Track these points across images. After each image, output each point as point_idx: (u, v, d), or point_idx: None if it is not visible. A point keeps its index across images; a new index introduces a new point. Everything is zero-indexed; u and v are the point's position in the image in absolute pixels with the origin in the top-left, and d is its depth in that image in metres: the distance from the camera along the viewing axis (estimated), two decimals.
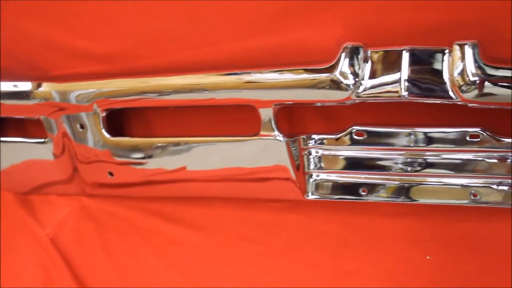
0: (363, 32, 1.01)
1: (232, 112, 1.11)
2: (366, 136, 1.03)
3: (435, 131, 1.01)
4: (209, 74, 1.06)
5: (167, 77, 1.09)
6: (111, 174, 1.21)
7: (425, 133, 1.01)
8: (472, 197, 1.01)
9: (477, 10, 0.96)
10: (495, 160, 0.99)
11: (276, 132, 1.05)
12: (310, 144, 1.05)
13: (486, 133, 0.98)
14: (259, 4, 1.05)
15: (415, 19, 0.98)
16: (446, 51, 0.92)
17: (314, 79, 0.98)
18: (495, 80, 0.91)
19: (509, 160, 0.99)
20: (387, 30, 1.00)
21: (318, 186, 1.07)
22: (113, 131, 1.18)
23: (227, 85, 1.04)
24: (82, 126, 1.18)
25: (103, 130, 1.17)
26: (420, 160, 1.02)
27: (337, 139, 1.04)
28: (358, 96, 0.97)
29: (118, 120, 1.20)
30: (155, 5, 1.10)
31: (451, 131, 1.00)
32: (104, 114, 1.16)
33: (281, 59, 1.04)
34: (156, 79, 1.10)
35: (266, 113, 1.04)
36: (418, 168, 1.03)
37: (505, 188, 1.00)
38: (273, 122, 1.04)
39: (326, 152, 1.05)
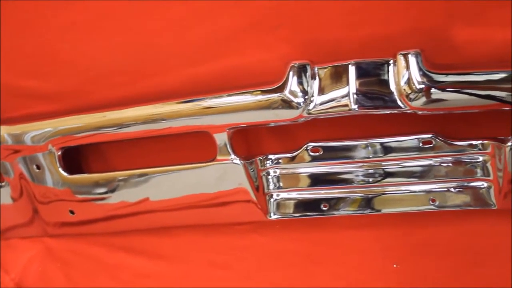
0: (310, 49, 1.02)
1: (189, 139, 1.11)
2: (322, 152, 1.04)
3: (389, 141, 1.02)
4: (166, 103, 1.06)
5: (122, 110, 1.09)
6: (72, 212, 1.19)
7: (379, 144, 1.02)
8: (431, 203, 1.02)
9: (417, 19, 0.97)
10: (450, 164, 1.01)
11: (233, 156, 1.05)
12: (267, 165, 1.05)
13: (438, 139, 0.99)
14: (207, 29, 1.05)
15: (359, 32, 1.00)
16: (391, 61, 0.94)
17: (265, 100, 0.99)
18: (441, 86, 0.93)
19: (463, 163, 0.99)
20: (332, 45, 1.01)
21: (279, 205, 1.07)
22: (71, 169, 1.17)
23: (183, 112, 1.04)
24: (38, 167, 1.17)
25: (60, 169, 1.16)
26: (377, 171, 1.03)
27: (293, 157, 1.04)
28: (310, 113, 0.97)
29: (75, 157, 1.19)
30: (103, 40, 1.10)
31: (404, 140, 1.01)
32: (59, 153, 1.15)
33: (233, 83, 1.05)
34: (111, 113, 1.10)
35: (221, 138, 1.04)
36: (377, 179, 1.04)
37: (462, 190, 1.01)
38: (228, 146, 1.04)
39: (284, 171, 1.06)
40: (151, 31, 1.07)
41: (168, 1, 1.06)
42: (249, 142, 1.10)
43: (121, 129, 1.09)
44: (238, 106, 1.00)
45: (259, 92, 1.00)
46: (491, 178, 0.99)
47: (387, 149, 1.02)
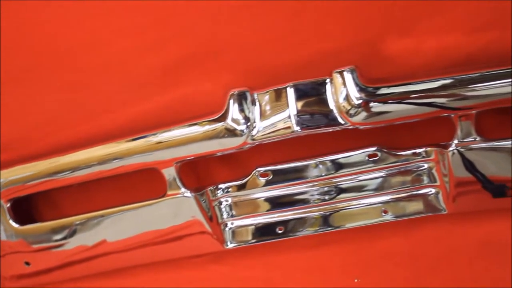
0: (251, 75, 1.03)
1: (141, 176, 1.10)
2: (271, 176, 1.04)
3: (336, 158, 1.03)
4: (116, 142, 1.05)
5: (74, 153, 1.08)
6: (27, 263, 1.17)
7: (326, 162, 1.03)
8: (383, 214, 1.03)
9: (350, 35, 0.99)
10: (397, 174, 1.02)
11: (183, 189, 1.05)
12: (218, 194, 1.05)
13: (383, 151, 1.01)
14: (147, 64, 1.05)
15: (296, 54, 1.01)
16: (327, 80, 0.95)
17: (208, 131, 0.99)
18: (379, 100, 0.94)
19: (410, 172, 1.01)
20: (271, 69, 1.02)
21: (234, 233, 1.07)
22: (22, 219, 1.15)
23: (133, 150, 1.04)
24: None
25: (11, 221, 1.13)
26: (328, 188, 1.04)
27: (243, 184, 1.05)
28: (254, 140, 0.98)
29: (25, 207, 1.16)
30: (45, 84, 1.08)
31: (350, 155, 1.02)
32: (8, 205, 1.13)
33: (178, 116, 1.04)
34: (62, 158, 1.09)
35: (170, 173, 1.04)
36: (328, 196, 1.04)
37: (412, 199, 1.02)
38: (177, 180, 1.04)
39: (235, 199, 1.06)
40: (93, 70, 1.07)
41: (107, 37, 1.05)
42: (199, 173, 1.10)
43: (74, 173, 1.08)
44: (183, 140, 1.00)
45: (202, 123, 1.00)
46: (438, 184, 1.01)
47: (335, 166, 1.03)
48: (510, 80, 0.93)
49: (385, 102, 0.94)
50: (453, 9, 0.98)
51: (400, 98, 0.94)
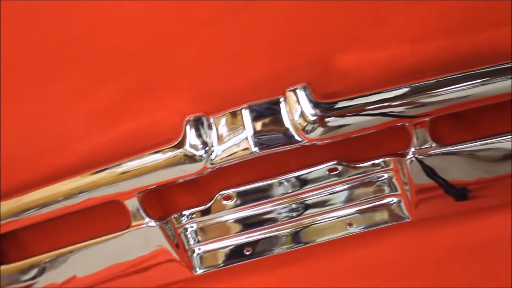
0: (205, 100, 1.03)
1: (107, 207, 1.09)
2: (234, 198, 1.04)
3: (297, 175, 1.04)
4: (80, 175, 1.04)
5: (36, 191, 1.06)
6: None
7: (289, 179, 1.03)
8: (348, 227, 1.04)
9: (301, 53, 1.00)
10: (358, 186, 1.03)
11: (147, 219, 1.04)
12: (183, 221, 1.05)
13: (342, 164, 1.01)
14: (101, 96, 1.05)
15: (249, 75, 1.02)
16: (281, 99, 0.96)
17: (167, 159, 0.99)
18: (334, 114, 0.95)
19: (371, 183, 1.02)
20: (225, 93, 1.02)
21: (202, 259, 1.07)
22: None
23: (97, 183, 1.03)
24: None
25: None
26: (292, 206, 1.04)
27: (207, 209, 1.04)
28: (213, 164, 0.98)
29: None
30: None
31: (311, 171, 1.03)
32: None
33: (136, 146, 1.04)
34: (25, 197, 1.07)
35: (132, 204, 1.04)
36: (293, 214, 1.05)
37: (375, 209, 1.03)
38: (141, 211, 1.04)
39: (200, 224, 1.06)
40: (46, 106, 1.06)
41: (58, 74, 1.04)
42: (163, 200, 1.10)
43: (39, 210, 1.07)
44: (142, 169, 1.00)
45: (161, 151, 1.00)
46: (399, 192, 1.02)
47: (297, 183, 1.04)
48: (463, 84, 0.94)
49: (340, 116, 0.95)
50: (400, 19, 1.00)
51: (355, 111, 0.95)
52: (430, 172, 1.00)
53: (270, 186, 1.04)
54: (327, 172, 1.02)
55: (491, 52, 0.98)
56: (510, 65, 0.93)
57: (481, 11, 0.98)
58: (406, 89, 0.95)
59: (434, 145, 0.98)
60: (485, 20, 0.99)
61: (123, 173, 1.01)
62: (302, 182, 1.03)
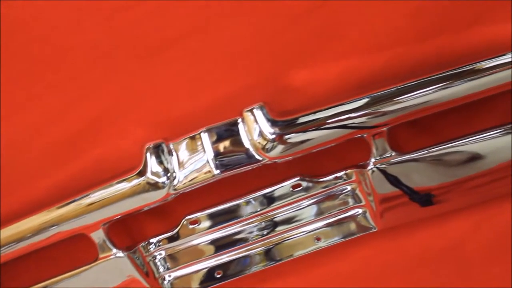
0: (163, 126, 1.03)
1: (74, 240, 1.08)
2: (202, 221, 1.04)
3: (262, 194, 1.04)
4: (48, 209, 1.03)
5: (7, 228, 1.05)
6: None
7: (253, 199, 1.04)
8: (316, 242, 1.04)
9: (255, 73, 1.01)
10: (323, 201, 1.03)
11: (115, 250, 1.04)
12: (151, 249, 1.05)
13: (305, 180, 1.02)
14: (62, 128, 1.05)
15: (205, 99, 1.03)
16: (239, 120, 0.96)
17: (130, 188, 0.99)
18: (292, 131, 0.96)
19: (335, 196, 1.02)
20: (183, 117, 1.03)
21: (173, 285, 1.06)
22: None
23: (65, 216, 1.02)
24: None
25: None
26: (259, 225, 1.05)
27: (174, 235, 1.04)
28: (176, 190, 0.98)
29: None
30: None
31: (275, 189, 1.03)
32: None
33: (98, 177, 1.03)
34: None
35: (98, 236, 1.03)
36: (260, 233, 1.05)
37: (342, 222, 1.04)
38: (107, 242, 1.03)
39: (169, 251, 1.05)
40: (8, 142, 1.06)
41: (17, 108, 1.04)
42: (130, 229, 1.09)
43: (6, 249, 1.05)
44: (105, 201, 1.00)
45: (123, 181, 0.99)
46: (363, 203, 1.02)
47: (263, 202, 1.04)
48: (419, 91, 0.95)
49: (298, 132, 0.96)
50: (349, 33, 1.01)
51: (312, 126, 0.96)
52: (392, 181, 1.00)
53: (236, 206, 1.04)
54: (291, 189, 1.02)
55: (439, 58, 1.00)
56: (467, 68, 0.95)
57: (427, 19, 1.00)
58: (361, 101, 0.96)
59: (393, 154, 0.99)
60: (431, 28, 1.01)
61: (88, 205, 1.00)
62: (268, 200, 1.04)
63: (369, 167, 0.99)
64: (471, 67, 0.95)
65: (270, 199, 1.03)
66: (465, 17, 1.02)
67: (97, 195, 1.00)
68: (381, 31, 1.01)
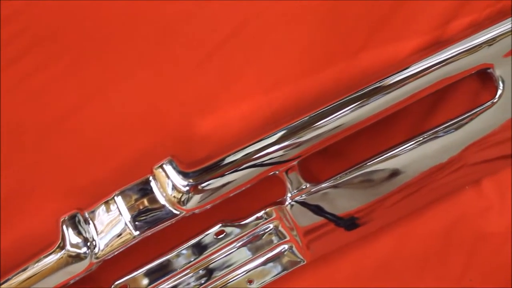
0: (75, 196, 1.02)
1: None
2: (131, 284, 1.03)
3: (188, 246, 1.03)
4: None
5: None
6: None
7: (183, 250, 1.03)
8: (249, 284, 1.04)
9: (158, 128, 1.04)
10: (248, 243, 1.03)
11: None
12: None
13: (227, 225, 1.02)
14: None
15: (112, 162, 1.04)
16: (151, 177, 0.96)
17: (51, 264, 0.97)
18: (205, 180, 0.95)
19: (259, 236, 1.03)
20: (93, 184, 1.02)
21: None
22: None
23: None
24: None
25: None
26: (198, 274, 1.04)
27: None
28: (98, 258, 0.97)
29: None
30: None
31: (199, 239, 1.03)
32: None
33: (15, 259, 1.02)
34: None
35: None
36: (200, 282, 1.05)
37: (271, 261, 1.04)
38: None
39: None
40: None
41: None
42: None
43: None
44: (28, 282, 0.97)
45: (44, 258, 0.97)
46: (288, 239, 1.03)
47: (190, 254, 1.03)
48: (324, 120, 0.96)
49: (209, 180, 0.96)
50: (247, 73, 1.03)
51: (223, 172, 0.96)
52: (312, 212, 1.02)
53: (167, 261, 1.03)
54: (215, 236, 1.02)
55: (337, 86, 1.02)
56: (377, 85, 0.98)
57: (320, 50, 1.03)
58: (268, 139, 0.97)
59: (308, 185, 1.00)
60: (325, 58, 1.03)
61: None
62: (198, 249, 1.04)
63: (287, 202, 1.00)
64: (380, 84, 0.98)
65: (198, 248, 1.03)
66: (355, 42, 1.04)
67: (19, 279, 0.98)
68: (278, 68, 1.04)
